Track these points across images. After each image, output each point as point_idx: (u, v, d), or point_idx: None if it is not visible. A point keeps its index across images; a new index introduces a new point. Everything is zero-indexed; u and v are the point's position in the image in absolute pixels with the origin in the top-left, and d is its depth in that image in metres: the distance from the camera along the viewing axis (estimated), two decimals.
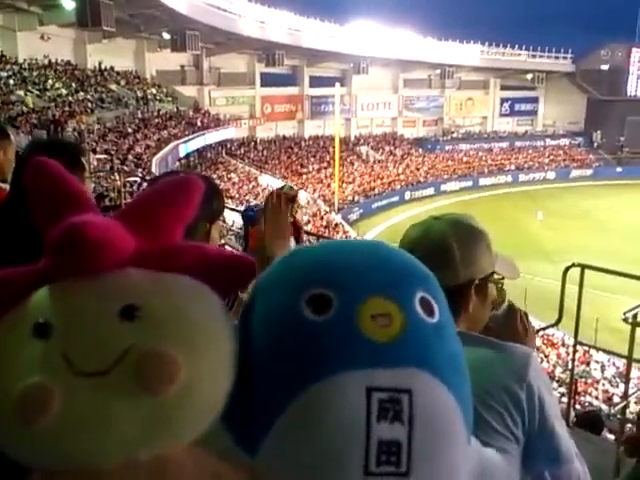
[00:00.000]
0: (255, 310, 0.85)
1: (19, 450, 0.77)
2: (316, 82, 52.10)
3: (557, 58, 62.48)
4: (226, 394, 0.80)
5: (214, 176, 35.78)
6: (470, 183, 53.15)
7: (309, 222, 34.47)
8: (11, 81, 27.23)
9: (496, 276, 1.51)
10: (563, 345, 20.42)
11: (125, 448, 0.74)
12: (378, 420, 0.74)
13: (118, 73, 37.17)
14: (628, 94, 61.62)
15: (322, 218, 36.13)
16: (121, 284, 0.81)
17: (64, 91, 29.69)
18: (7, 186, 2.65)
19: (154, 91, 38.32)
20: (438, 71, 56.88)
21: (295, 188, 1.95)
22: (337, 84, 45.56)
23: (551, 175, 57.34)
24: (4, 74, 27.38)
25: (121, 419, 0.73)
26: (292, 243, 1.82)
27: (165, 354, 0.74)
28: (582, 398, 16.87)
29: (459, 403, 0.80)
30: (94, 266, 0.78)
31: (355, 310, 0.78)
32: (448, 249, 1.37)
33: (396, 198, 46.47)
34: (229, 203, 25.23)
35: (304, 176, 44.47)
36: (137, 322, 0.77)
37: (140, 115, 33.68)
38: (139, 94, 36.28)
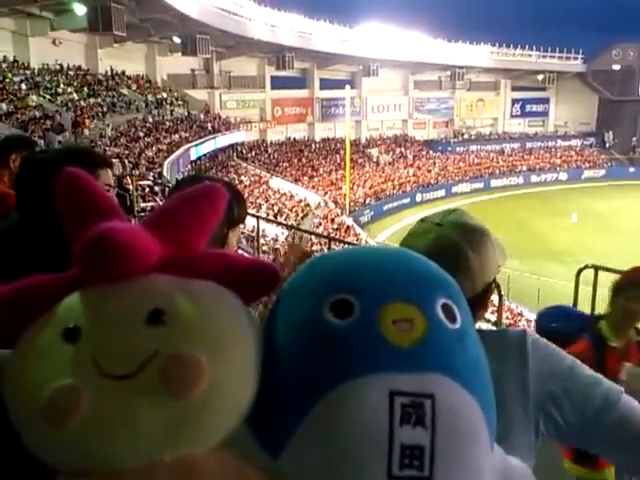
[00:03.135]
0: (280, 315, 0.87)
1: (47, 451, 0.78)
2: (326, 84, 52.11)
3: (568, 58, 62.15)
4: (250, 397, 0.82)
5: (225, 179, 35.81)
6: (481, 185, 52.95)
7: (320, 224, 34.47)
8: (23, 86, 27.40)
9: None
10: None
11: (150, 449, 0.75)
12: (401, 424, 0.75)
13: (129, 77, 37.32)
14: None
15: (333, 220, 36.10)
16: (148, 289, 0.83)
17: (76, 96, 29.84)
18: None
19: (165, 95, 38.45)
20: (448, 72, 56.69)
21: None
22: (347, 86, 45.49)
23: (563, 176, 57.05)
24: (17, 79, 27.56)
25: (146, 421, 0.74)
26: None
27: (190, 357, 0.75)
28: None
29: (482, 408, 0.81)
30: (121, 271, 0.80)
31: (376, 315, 0.79)
32: (465, 259, 1.29)
33: (407, 200, 46.37)
34: None
35: (315, 178, 44.46)
36: (163, 326, 0.79)
37: (151, 119, 33.82)
38: (150, 98, 36.40)
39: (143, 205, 14.03)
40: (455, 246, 1.31)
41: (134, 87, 36.69)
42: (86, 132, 25.41)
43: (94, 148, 21.68)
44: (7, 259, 1.80)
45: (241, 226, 1.97)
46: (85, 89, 31.53)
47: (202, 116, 39.50)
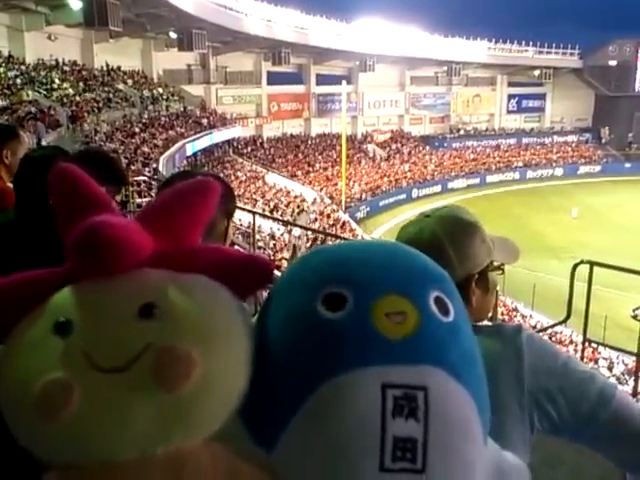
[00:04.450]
0: (273, 309, 0.87)
1: (39, 445, 0.78)
2: (322, 80, 52.01)
3: (564, 54, 62.12)
4: (242, 391, 0.81)
5: (221, 175, 35.79)
6: (477, 180, 53.00)
7: (316, 220, 34.45)
8: (18, 81, 27.28)
9: (495, 263, 1.44)
10: (571, 342, 20.34)
11: (141, 443, 0.75)
12: (393, 416, 0.75)
13: (125, 73, 37.17)
14: (636, 90, 61.24)
15: (329, 216, 36.08)
16: (139, 283, 0.83)
17: (71, 91, 29.72)
18: None
19: (161, 90, 38.33)
20: (445, 68, 56.66)
21: None
22: (344, 82, 45.43)
23: (559, 172, 57.08)
24: (11, 74, 27.43)
25: (138, 415, 0.74)
26: None
27: (181, 351, 0.75)
28: None
29: (475, 401, 0.81)
30: (112, 265, 0.80)
31: (369, 308, 0.79)
32: (441, 249, 1.29)
33: (403, 196, 46.39)
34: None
35: (311, 174, 44.43)
36: (155, 320, 0.79)
37: (147, 114, 33.72)
38: (146, 93, 36.28)
39: (139, 201, 13.98)
40: (433, 236, 1.32)
41: (130, 82, 36.56)
42: (85, 127, 25.35)
43: (89, 144, 21.66)
44: (4, 254, 1.80)
45: (235, 220, 1.97)
46: (81, 84, 31.40)
47: (198, 112, 39.39)
